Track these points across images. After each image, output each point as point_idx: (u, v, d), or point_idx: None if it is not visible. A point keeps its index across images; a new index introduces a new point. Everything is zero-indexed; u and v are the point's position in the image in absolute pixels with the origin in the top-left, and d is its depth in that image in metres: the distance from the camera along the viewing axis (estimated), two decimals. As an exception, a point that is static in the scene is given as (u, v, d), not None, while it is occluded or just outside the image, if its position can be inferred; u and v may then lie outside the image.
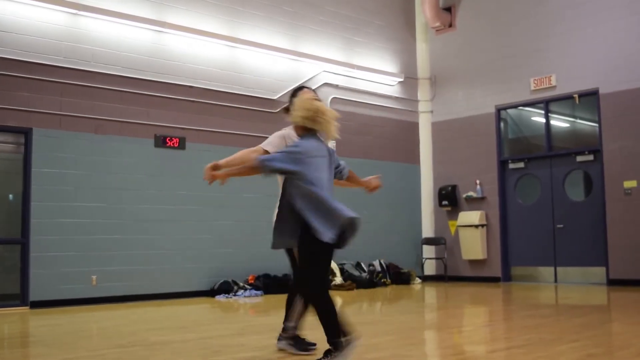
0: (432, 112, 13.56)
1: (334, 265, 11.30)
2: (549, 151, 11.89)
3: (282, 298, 9.41)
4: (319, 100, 4.44)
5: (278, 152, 4.20)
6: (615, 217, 10.82)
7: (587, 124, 11.95)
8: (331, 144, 4.35)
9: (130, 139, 9.54)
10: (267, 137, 5.03)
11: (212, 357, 4.87)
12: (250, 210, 10.48)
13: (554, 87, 11.75)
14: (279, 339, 4.93)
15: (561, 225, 11.65)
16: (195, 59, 10.32)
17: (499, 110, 12.60)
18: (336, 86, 12.14)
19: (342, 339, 4.01)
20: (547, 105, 11.92)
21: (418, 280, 12.64)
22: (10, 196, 8.88)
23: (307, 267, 4.14)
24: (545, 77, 11.82)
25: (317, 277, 4.14)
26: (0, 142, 8.94)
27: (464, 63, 13.11)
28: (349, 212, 4.07)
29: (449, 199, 12.96)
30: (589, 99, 11.41)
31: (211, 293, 10.05)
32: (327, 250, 4.11)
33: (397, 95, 13.20)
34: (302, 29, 11.75)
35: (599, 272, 11.11)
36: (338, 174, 4.49)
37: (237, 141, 10.18)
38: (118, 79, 9.47)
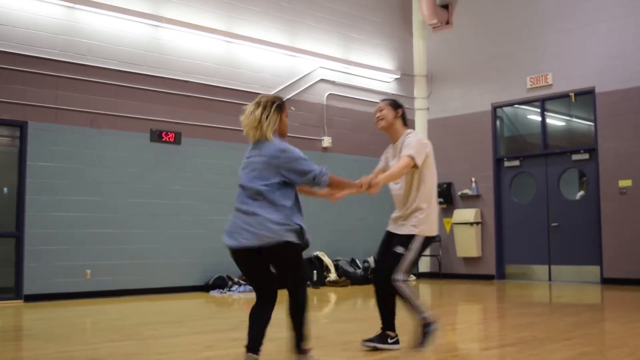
0: (428, 109, 13.56)
1: (328, 261, 11.32)
2: (545, 150, 11.90)
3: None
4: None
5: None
6: (609, 216, 10.84)
7: (582, 123, 11.97)
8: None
9: (125, 133, 9.52)
10: None
11: (205, 351, 4.87)
12: (246, 206, 10.45)
13: (550, 85, 11.76)
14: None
15: (556, 224, 11.67)
16: (192, 54, 10.30)
17: (495, 108, 12.61)
18: (332, 82, 12.12)
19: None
20: (543, 103, 11.93)
21: (412, 277, 12.66)
22: (5, 189, 8.85)
23: None
24: (542, 76, 11.83)
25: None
26: (-5, 135, 8.92)
27: (461, 61, 13.10)
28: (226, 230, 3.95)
29: (444, 196, 12.96)
30: (585, 98, 11.43)
31: (205, 288, 10.04)
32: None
33: (393, 92, 13.18)
34: (299, 24, 11.73)
35: (593, 270, 11.14)
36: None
37: (233, 137, 10.16)
38: (114, 73, 9.44)
